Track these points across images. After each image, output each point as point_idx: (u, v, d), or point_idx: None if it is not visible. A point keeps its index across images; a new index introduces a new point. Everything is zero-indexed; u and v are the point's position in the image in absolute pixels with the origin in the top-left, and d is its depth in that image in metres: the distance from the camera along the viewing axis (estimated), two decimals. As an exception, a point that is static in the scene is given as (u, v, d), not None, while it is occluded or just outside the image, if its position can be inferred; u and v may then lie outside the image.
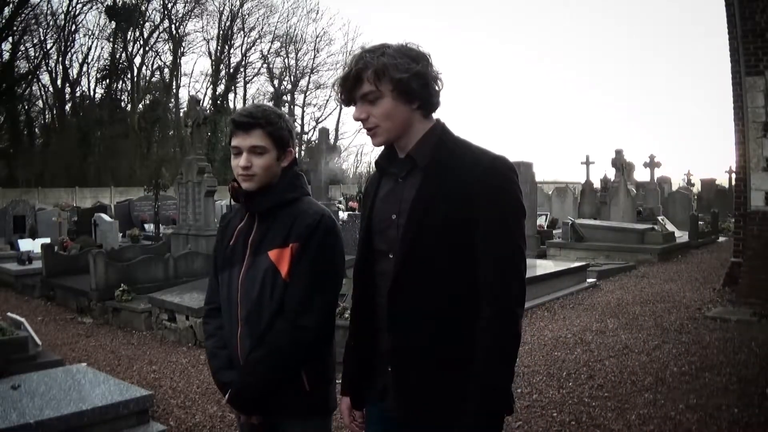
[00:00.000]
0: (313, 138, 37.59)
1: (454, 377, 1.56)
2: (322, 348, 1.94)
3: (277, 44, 43.82)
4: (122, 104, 39.67)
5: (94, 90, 39.41)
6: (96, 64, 38.68)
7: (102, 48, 51.23)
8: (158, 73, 41.38)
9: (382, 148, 1.70)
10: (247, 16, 42.17)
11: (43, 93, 37.92)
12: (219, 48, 41.99)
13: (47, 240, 10.71)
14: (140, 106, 39.62)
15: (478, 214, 1.52)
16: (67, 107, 38.37)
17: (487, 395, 1.50)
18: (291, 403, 1.90)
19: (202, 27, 48.52)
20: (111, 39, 38.25)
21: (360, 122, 1.61)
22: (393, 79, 1.53)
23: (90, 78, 39.27)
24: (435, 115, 1.67)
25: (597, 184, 20.11)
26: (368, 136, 1.63)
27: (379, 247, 1.66)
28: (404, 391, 1.60)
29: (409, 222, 1.56)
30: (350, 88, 1.58)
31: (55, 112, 38.27)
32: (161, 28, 39.89)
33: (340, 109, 45.58)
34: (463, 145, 1.62)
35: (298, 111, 45.83)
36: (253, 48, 43.34)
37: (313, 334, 1.87)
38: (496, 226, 1.53)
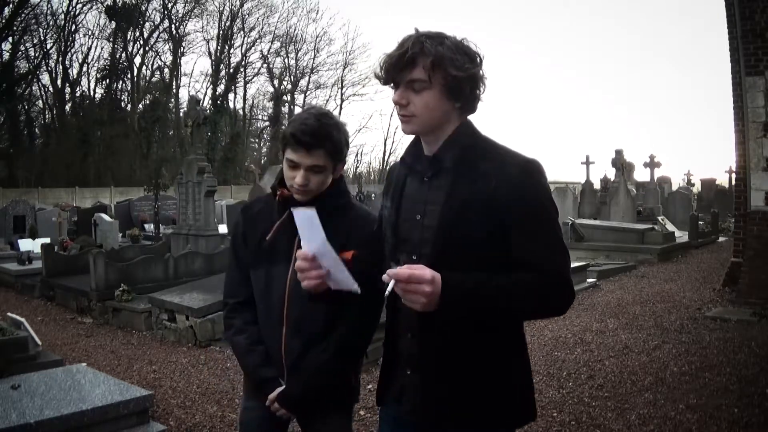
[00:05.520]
0: (313, 138, 37.47)
1: (479, 385, 1.54)
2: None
3: (277, 44, 43.90)
4: (122, 104, 39.69)
5: (94, 90, 39.49)
6: (96, 64, 38.77)
7: (102, 48, 51.18)
8: (158, 73, 41.44)
9: (410, 143, 1.66)
10: (247, 16, 42.27)
11: (43, 93, 37.98)
12: (219, 48, 42.04)
13: (47, 240, 10.70)
14: (140, 106, 39.60)
15: (511, 221, 1.47)
16: (67, 107, 38.37)
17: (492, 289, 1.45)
18: (338, 398, 1.95)
19: (202, 27, 48.54)
20: (111, 39, 38.29)
21: (396, 106, 1.54)
22: (448, 75, 1.46)
23: (90, 78, 39.36)
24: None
25: (597, 184, 20.11)
26: (401, 121, 1.56)
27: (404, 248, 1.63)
28: (427, 394, 1.57)
29: (440, 228, 1.51)
30: (399, 69, 1.48)
31: (55, 112, 38.27)
32: (161, 28, 39.96)
33: (340, 109, 45.65)
34: (491, 146, 1.57)
35: (298, 111, 45.79)
36: (253, 48, 43.42)
37: (371, 334, 1.92)
38: (535, 233, 1.48)
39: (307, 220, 1.52)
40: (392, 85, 1.54)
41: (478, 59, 1.52)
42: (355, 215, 1.92)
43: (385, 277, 1.39)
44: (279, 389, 1.89)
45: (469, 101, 1.54)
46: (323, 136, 1.79)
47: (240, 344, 1.99)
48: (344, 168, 1.99)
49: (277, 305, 1.89)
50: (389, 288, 1.38)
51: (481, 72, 1.52)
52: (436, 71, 1.46)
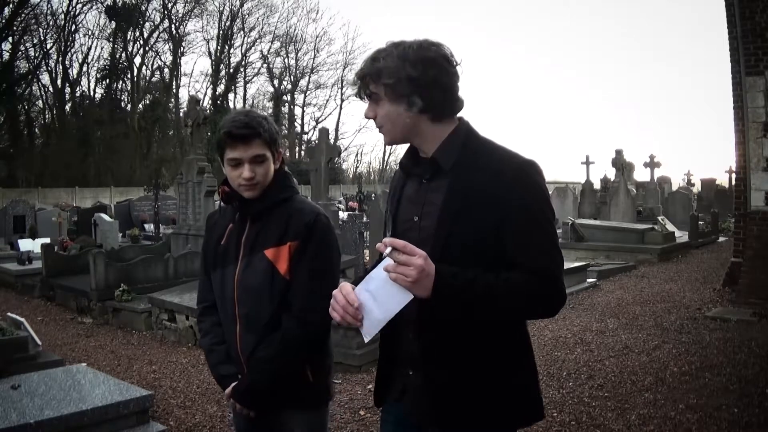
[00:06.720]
0: (313, 138, 37.60)
1: (482, 384, 1.54)
2: (326, 341, 2.02)
3: (277, 44, 43.97)
4: (122, 104, 39.69)
5: (94, 90, 39.51)
6: (96, 64, 38.79)
7: (102, 48, 51.33)
8: (158, 73, 41.45)
9: (406, 147, 1.67)
10: (247, 16, 42.33)
11: (43, 93, 37.97)
12: (219, 48, 42.09)
13: (47, 240, 10.69)
14: (140, 106, 39.62)
15: (507, 221, 1.48)
16: (67, 107, 38.38)
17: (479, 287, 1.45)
18: (294, 395, 1.94)
19: (202, 27, 48.62)
20: (111, 39, 38.28)
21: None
22: (384, 84, 1.51)
23: (90, 78, 39.37)
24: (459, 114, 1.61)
25: (597, 184, 20.12)
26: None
27: None
28: (429, 394, 1.57)
29: (440, 228, 1.52)
30: (360, 86, 1.57)
31: (55, 112, 38.27)
32: (161, 28, 40.00)
33: (340, 109, 45.75)
34: (489, 147, 1.57)
35: (298, 111, 45.83)
36: (253, 48, 43.48)
37: (320, 330, 1.94)
38: (530, 234, 1.48)
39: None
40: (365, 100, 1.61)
41: (428, 61, 1.49)
42: (295, 208, 1.95)
43: (380, 245, 1.42)
44: (232, 384, 1.96)
45: (427, 104, 1.51)
46: (256, 125, 1.88)
47: (205, 345, 2.09)
48: (283, 159, 2.04)
49: (230, 305, 1.96)
50: (386, 253, 1.41)
51: (429, 72, 1.48)
52: (376, 83, 1.52)
